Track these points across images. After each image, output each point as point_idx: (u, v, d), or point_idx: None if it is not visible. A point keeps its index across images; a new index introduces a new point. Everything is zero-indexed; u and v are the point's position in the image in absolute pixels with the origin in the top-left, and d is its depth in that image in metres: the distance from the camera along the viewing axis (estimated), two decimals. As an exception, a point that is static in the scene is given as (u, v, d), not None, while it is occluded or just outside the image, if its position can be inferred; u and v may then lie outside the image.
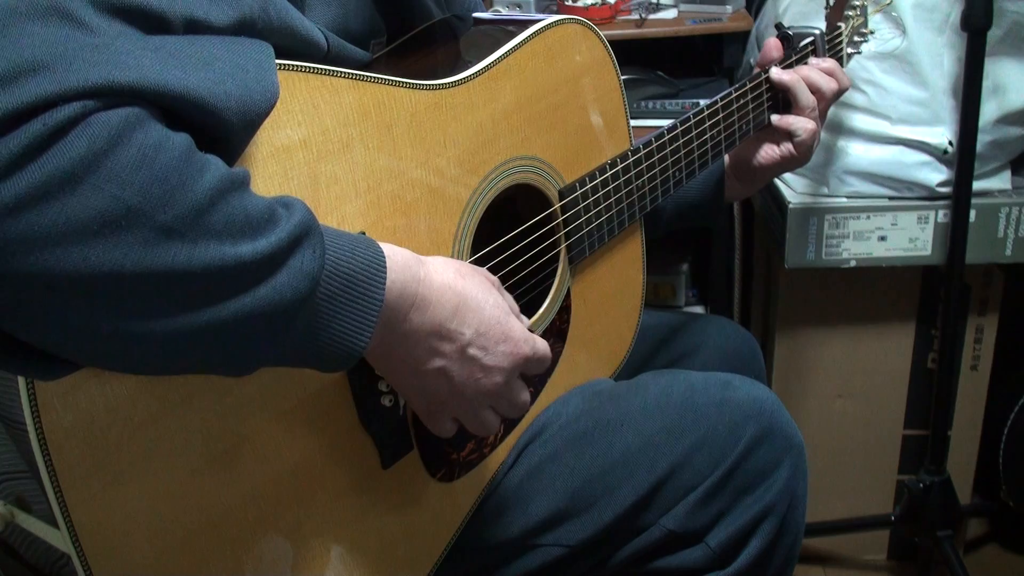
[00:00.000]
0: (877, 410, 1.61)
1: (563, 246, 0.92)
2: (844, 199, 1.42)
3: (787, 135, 1.09)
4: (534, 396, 0.93)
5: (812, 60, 1.12)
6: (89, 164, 0.46)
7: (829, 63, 1.11)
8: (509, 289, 0.86)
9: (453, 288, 0.68)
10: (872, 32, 1.26)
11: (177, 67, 0.51)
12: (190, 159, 0.51)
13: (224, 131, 0.54)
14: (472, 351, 0.70)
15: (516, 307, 0.76)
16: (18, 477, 0.63)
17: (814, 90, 1.08)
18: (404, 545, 0.81)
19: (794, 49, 1.11)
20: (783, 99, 1.10)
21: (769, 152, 1.10)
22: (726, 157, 1.13)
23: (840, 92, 1.11)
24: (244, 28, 0.58)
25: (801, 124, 1.07)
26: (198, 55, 0.52)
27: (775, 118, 1.09)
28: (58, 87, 0.46)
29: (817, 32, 1.14)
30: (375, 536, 0.78)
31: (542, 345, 0.75)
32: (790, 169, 1.11)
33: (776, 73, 1.08)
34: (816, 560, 1.72)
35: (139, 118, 0.49)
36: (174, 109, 0.51)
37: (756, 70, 1.09)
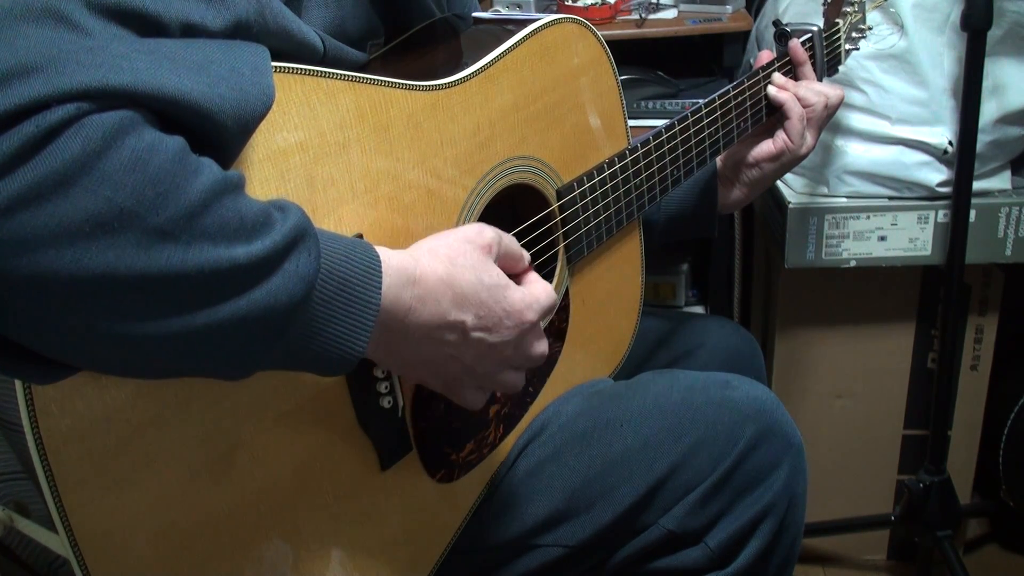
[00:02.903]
0: (877, 410, 1.61)
1: (561, 246, 0.92)
2: (844, 199, 1.42)
3: (781, 115, 1.09)
4: (533, 395, 0.93)
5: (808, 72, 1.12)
6: (82, 166, 0.46)
7: (819, 86, 1.11)
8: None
9: (447, 281, 0.68)
10: (870, 28, 1.26)
11: (171, 70, 0.50)
12: (183, 162, 0.50)
13: (219, 135, 0.54)
14: (476, 334, 0.70)
15: (518, 250, 0.76)
16: (15, 478, 0.63)
17: (805, 103, 1.09)
18: (404, 546, 0.81)
19: (786, 48, 1.11)
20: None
21: (765, 147, 1.10)
22: (718, 162, 1.12)
23: (831, 107, 1.11)
24: (239, 31, 0.58)
25: (791, 99, 1.08)
26: (193, 58, 0.52)
27: (771, 89, 1.09)
28: (51, 89, 0.46)
29: (815, 29, 1.14)
30: (375, 538, 0.78)
31: (543, 296, 0.74)
32: (785, 164, 1.11)
33: (772, 91, 1.09)
34: (816, 560, 1.72)
35: (132, 121, 0.48)
36: (168, 113, 0.51)
37: (754, 68, 1.10)
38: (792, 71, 1.12)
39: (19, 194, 0.45)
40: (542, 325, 0.76)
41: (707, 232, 1.16)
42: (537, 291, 0.75)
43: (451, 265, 0.69)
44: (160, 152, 0.49)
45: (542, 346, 0.76)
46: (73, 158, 0.46)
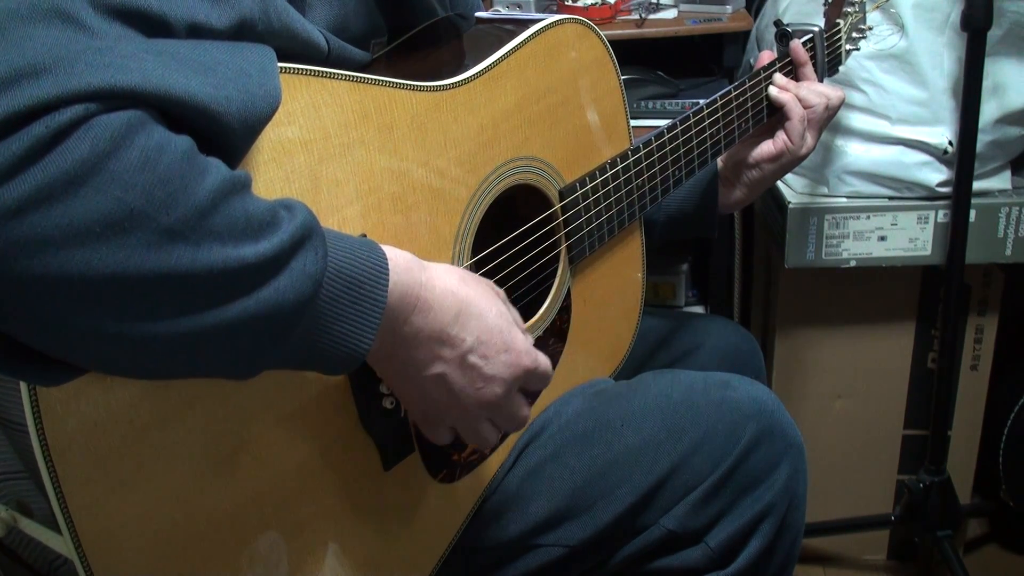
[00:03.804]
0: (877, 410, 1.61)
1: (563, 246, 0.92)
2: (844, 199, 1.43)
3: (781, 116, 1.09)
4: (533, 399, 0.93)
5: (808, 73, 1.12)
6: (92, 166, 0.46)
7: (820, 87, 1.11)
8: (510, 290, 0.86)
9: (455, 294, 0.68)
10: (870, 28, 1.26)
11: (179, 71, 0.51)
12: (192, 161, 0.50)
13: (225, 136, 0.54)
14: (472, 359, 0.69)
15: (520, 320, 0.76)
16: (15, 478, 0.63)
17: (806, 104, 1.09)
18: (406, 546, 0.81)
19: (787, 48, 1.12)
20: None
21: (765, 147, 1.10)
22: (719, 163, 1.13)
23: (832, 108, 1.11)
24: (244, 30, 0.58)
25: (792, 100, 1.08)
26: (200, 59, 0.52)
27: (772, 90, 1.09)
28: (60, 89, 0.46)
29: (816, 29, 1.14)
30: (377, 537, 0.78)
31: (544, 360, 0.74)
32: (785, 165, 1.11)
33: (774, 92, 1.09)
34: (816, 560, 1.72)
35: (141, 121, 0.49)
36: (175, 114, 0.51)
37: (755, 68, 1.10)
38: (793, 72, 1.12)
39: (29, 195, 0.45)
40: (525, 393, 0.76)
41: (707, 232, 1.16)
42: (539, 351, 0.74)
43: (462, 282, 0.69)
44: (169, 152, 0.49)
45: (526, 410, 0.76)
46: (82, 159, 0.46)
